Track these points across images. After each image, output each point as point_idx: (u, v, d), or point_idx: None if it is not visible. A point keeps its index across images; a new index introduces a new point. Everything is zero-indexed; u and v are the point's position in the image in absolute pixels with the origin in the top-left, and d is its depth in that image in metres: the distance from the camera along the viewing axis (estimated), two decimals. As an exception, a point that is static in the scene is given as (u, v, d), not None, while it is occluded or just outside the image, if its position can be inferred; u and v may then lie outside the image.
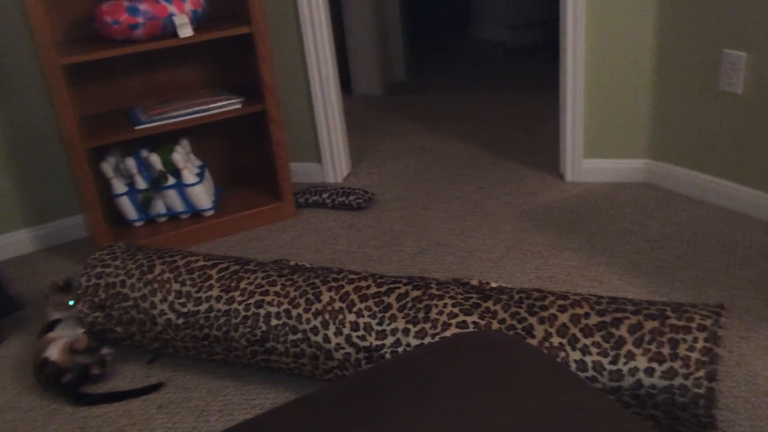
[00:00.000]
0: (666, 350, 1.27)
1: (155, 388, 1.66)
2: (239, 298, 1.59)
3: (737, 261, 1.93)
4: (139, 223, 2.42)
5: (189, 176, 2.36)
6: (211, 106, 2.31)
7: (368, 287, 1.54)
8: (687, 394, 1.24)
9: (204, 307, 1.61)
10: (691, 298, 1.78)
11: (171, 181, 2.35)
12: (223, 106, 2.33)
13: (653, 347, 1.28)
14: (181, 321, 1.62)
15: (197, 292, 1.63)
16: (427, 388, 0.88)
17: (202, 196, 2.40)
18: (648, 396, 1.27)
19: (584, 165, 2.53)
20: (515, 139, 3.05)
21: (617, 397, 1.29)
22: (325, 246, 2.27)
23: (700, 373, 1.24)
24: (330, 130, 2.70)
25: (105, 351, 1.73)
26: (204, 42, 2.49)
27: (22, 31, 2.27)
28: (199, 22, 2.27)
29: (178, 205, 2.41)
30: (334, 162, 2.75)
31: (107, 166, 2.31)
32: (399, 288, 1.53)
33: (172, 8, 2.15)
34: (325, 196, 2.54)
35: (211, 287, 1.63)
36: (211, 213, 2.44)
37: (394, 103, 3.78)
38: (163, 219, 2.44)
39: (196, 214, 2.45)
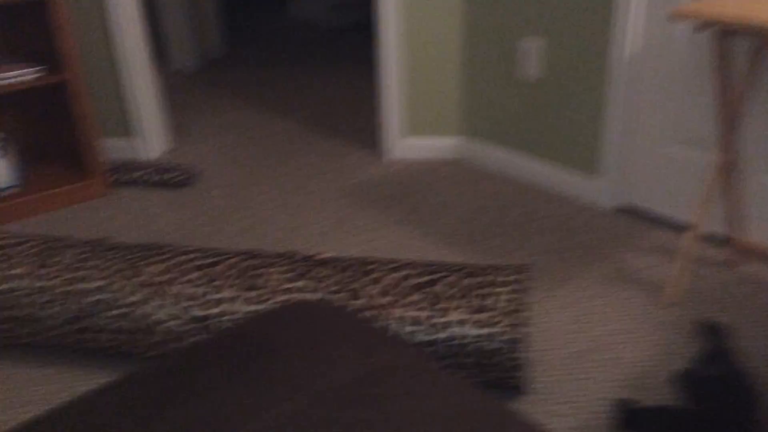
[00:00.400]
0: (476, 303, 1.40)
1: None
2: (53, 274, 1.48)
3: (538, 229, 2.13)
4: None
5: (-19, 152, 2.12)
6: (6, 75, 2.09)
7: (195, 259, 1.50)
8: (496, 341, 1.37)
9: (4, 286, 1.47)
10: (502, 263, 1.94)
11: (-41, 157, 2.10)
12: (17, 76, 2.11)
13: (465, 302, 1.41)
14: None
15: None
16: (247, 360, 0.88)
17: (3, 172, 2.16)
18: (460, 346, 1.38)
19: (404, 143, 2.64)
20: (338, 118, 3.10)
21: (434, 350, 1.39)
22: (142, 226, 2.16)
23: (508, 321, 1.38)
24: (143, 104, 2.55)
25: None
26: (-5, 2, 2.23)
27: None
28: (-12, -21, 2.03)
29: (-31, 185, 2.15)
30: (151, 138, 2.62)
31: None
32: (228, 259, 1.51)
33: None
34: (144, 173, 2.41)
35: (18, 265, 1.49)
36: (13, 191, 2.21)
37: (212, 79, 3.66)
38: (-49, 200, 2.17)
39: (-9, 194, 2.21)
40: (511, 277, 1.45)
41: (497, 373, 1.39)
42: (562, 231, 2.12)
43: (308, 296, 1.43)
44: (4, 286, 1.47)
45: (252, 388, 0.84)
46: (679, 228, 2.11)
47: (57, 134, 2.50)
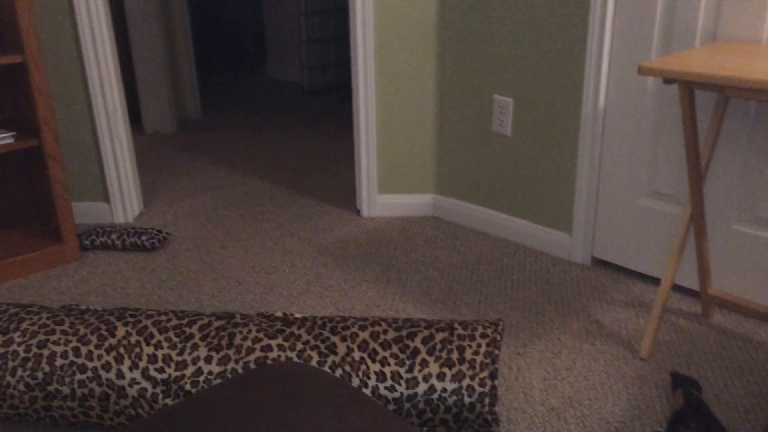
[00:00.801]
0: (455, 356, 1.40)
1: None
2: (18, 339, 1.44)
3: (512, 285, 2.13)
4: None
5: (-52, 218, 2.09)
6: (-23, 140, 2.08)
7: (169, 320, 1.48)
8: (474, 393, 1.36)
9: None
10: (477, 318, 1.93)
11: (-75, 224, 2.06)
12: (-8, 140, 2.10)
13: (444, 354, 1.40)
14: None
15: None
16: (220, 422, 0.86)
17: (-34, 240, 2.13)
18: (440, 400, 1.37)
19: (379, 200, 2.65)
20: (313, 177, 3.11)
21: (413, 405, 1.37)
22: (114, 290, 2.12)
23: (485, 374, 1.37)
24: (119, 167, 2.55)
25: None
26: (-33, 69, 2.24)
27: None
28: (-40, 47, 2.04)
29: (-65, 252, 2.11)
30: (124, 201, 2.60)
31: None
32: (201, 320, 1.49)
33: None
34: (114, 236, 2.39)
35: None
36: (-24, 259, 2.18)
37: (188, 141, 3.68)
38: None
39: (-43, 261, 2.17)
40: (488, 330, 1.45)
41: (478, 425, 1.37)
42: (537, 285, 2.12)
43: (284, 354, 1.41)
44: None
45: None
46: (651, 280, 2.12)
47: (26, 198, 2.48)
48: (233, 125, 3.96)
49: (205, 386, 1.38)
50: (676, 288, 2.07)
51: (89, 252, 2.38)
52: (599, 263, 2.24)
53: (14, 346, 1.44)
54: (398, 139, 2.57)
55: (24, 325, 1.47)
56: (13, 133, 2.15)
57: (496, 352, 1.40)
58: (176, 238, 2.49)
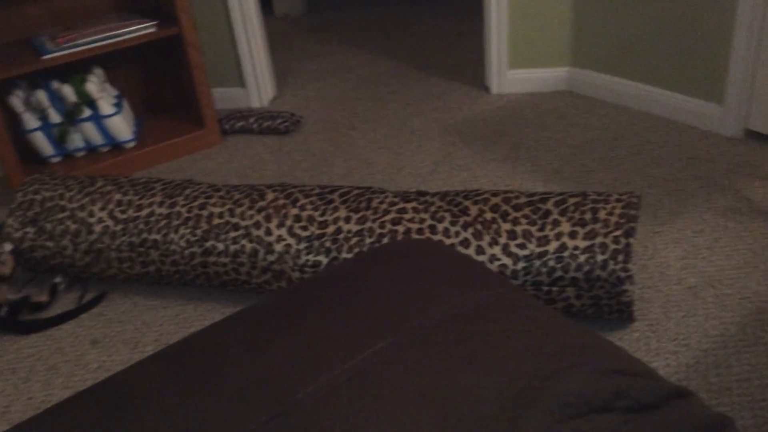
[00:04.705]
0: (588, 216, 1.37)
1: (99, 299, 1.70)
2: (182, 202, 1.61)
3: (652, 161, 2.01)
4: (56, 159, 2.33)
5: (106, 107, 2.26)
6: (123, 30, 2.20)
7: (312, 189, 1.60)
8: (606, 250, 1.33)
9: (145, 212, 1.62)
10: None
11: (87, 112, 2.26)
12: (136, 30, 2.21)
13: (576, 215, 1.38)
14: (119, 227, 1.62)
15: (139, 199, 1.64)
16: (350, 296, 0.90)
17: (122, 126, 2.31)
18: (571, 257, 1.35)
19: (509, 76, 2.55)
20: (441, 54, 3.03)
21: (543, 263, 1.36)
22: (253, 171, 2.24)
23: (619, 232, 1.33)
24: (252, 52, 2.62)
25: (57, 279, 1.73)
26: (107, -38, 2.34)
27: None
28: (99, -60, 2.12)
29: (97, 138, 2.32)
30: (259, 86, 2.69)
31: (16, 100, 2.19)
32: (342, 189, 1.59)
33: (67, -75, 2.00)
34: (251, 120, 2.49)
35: (153, 195, 1.64)
36: (132, 144, 2.36)
37: (316, 22, 3.68)
38: (82, 153, 2.35)
39: (116, 146, 2.37)
40: (624, 196, 1.41)
41: (607, 288, 1.34)
42: (680, 161, 1.98)
43: (418, 216, 1.46)
44: (145, 211, 1.62)
45: (352, 325, 0.86)
46: (815, 154, 1.92)
47: (168, 87, 2.62)
48: (361, 3, 3.89)
49: (344, 244, 1.48)
50: None
51: (229, 136, 2.51)
52: (753, 136, 2.04)
53: (178, 208, 1.60)
54: (531, 8, 2.41)
55: (187, 191, 1.64)
56: (156, 23, 2.25)
57: (633, 212, 1.36)
58: (308, 120, 2.56)
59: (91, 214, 1.65)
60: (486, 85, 2.64)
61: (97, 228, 1.63)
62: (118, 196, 1.66)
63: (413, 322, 0.83)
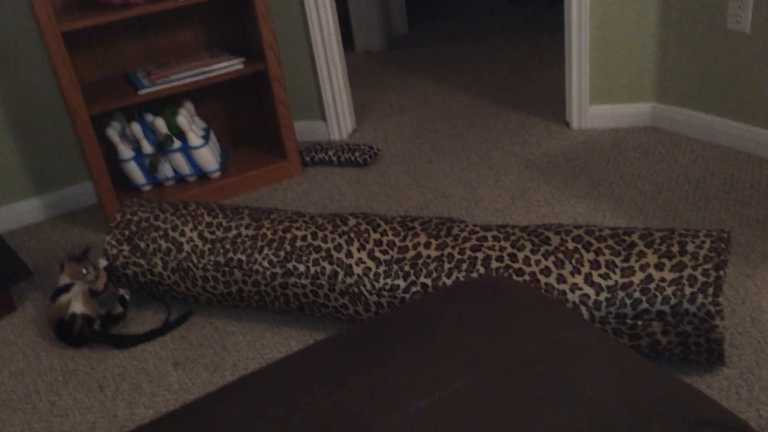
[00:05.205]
0: (675, 248, 1.33)
1: (185, 318, 1.79)
2: (268, 225, 1.68)
3: (743, 200, 1.92)
4: (147, 188, 2.45)
5: (194, 139, 2.37)
6: (214, 67, 2.30)
7: (393, 218, 1.63)
8: (696, 283, 1.27)
9: (232, 233, 1.69)
10: (697, 239, 1.79)
11: (177, 144, 2.36)
12: (226, 66, 2.32)
13: (663, 247, 1.33)
14: (207, 247, 1.69)
15: (228, 222, 1.72)
16: (427, 332, 0.90)
17: (208, 157, 2.41)
18: (658, 289, 1.30)
19: (590, 111, 2.51)
20: (519, 88, 3.02)
21: (627, 294, 1.32)
22: (331, 202, 2.29)
23: (709, 265, 1.28)
24: (333, 87, 2.69)
25: (122, 291, 1.82)
26: (200, 3, 2.47)
27: (19, 0, 2.26)
28: (194, -19, 2.24)
29: (185, 168, 2.42)
30: (339, 119, 2.75)
31: (113, 132, 2.32)
32: (423, 218, 1.62)
33: (166, -31, 2.13)
34: (330, 153, 2.55)
35: (241, 218, 1.72)
36: (217, 174, 2.46)
37: (396, 57, 3.74)
38: (171, 182, 2.46)
39: (202, 176, 2.47)
40: (714, 232, 1.36)
41: (696, 323, 1.28)
42: (773, 202, 1.89)
43: (498, 244, 1.46)
44: (233, 233, 1.70)
45: (429, 362, 0.86)
46: None
47: (252, 120, 2.72)
48: (439, 38, 3.94)
49: (423, 269, 1.49)
50: None
51: (309, 167, 2.57)
52: None
53: (264, 230, 1.67)
54: (614, 42, 2.38)
55: (273, 216, 1.71)
56: (243, 59, 2.35)
57: (723, 246, 1.30)
58: (386, 153, 2.59)
59: (182, 234, 1.73)
60: (566, 120, 2.61)
61: (187, 247, 1.71)
62: (208, 219, 1.74)
63: (491, 361, 0.82)
